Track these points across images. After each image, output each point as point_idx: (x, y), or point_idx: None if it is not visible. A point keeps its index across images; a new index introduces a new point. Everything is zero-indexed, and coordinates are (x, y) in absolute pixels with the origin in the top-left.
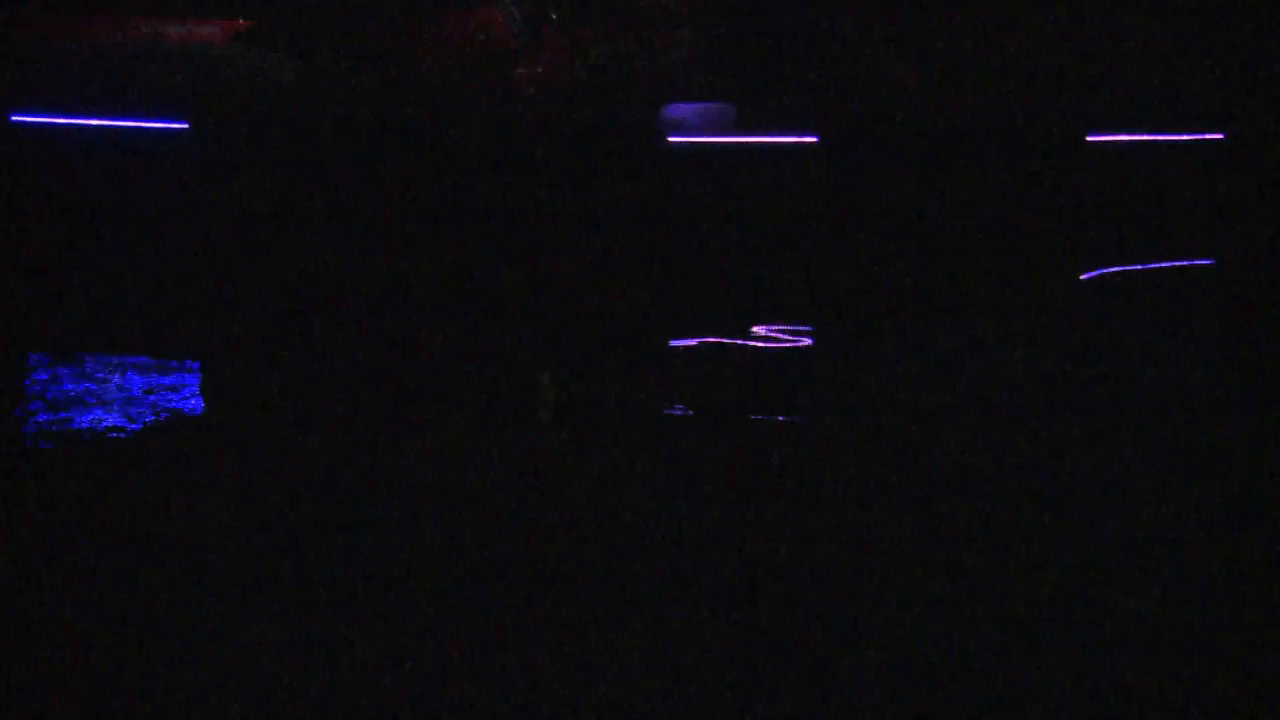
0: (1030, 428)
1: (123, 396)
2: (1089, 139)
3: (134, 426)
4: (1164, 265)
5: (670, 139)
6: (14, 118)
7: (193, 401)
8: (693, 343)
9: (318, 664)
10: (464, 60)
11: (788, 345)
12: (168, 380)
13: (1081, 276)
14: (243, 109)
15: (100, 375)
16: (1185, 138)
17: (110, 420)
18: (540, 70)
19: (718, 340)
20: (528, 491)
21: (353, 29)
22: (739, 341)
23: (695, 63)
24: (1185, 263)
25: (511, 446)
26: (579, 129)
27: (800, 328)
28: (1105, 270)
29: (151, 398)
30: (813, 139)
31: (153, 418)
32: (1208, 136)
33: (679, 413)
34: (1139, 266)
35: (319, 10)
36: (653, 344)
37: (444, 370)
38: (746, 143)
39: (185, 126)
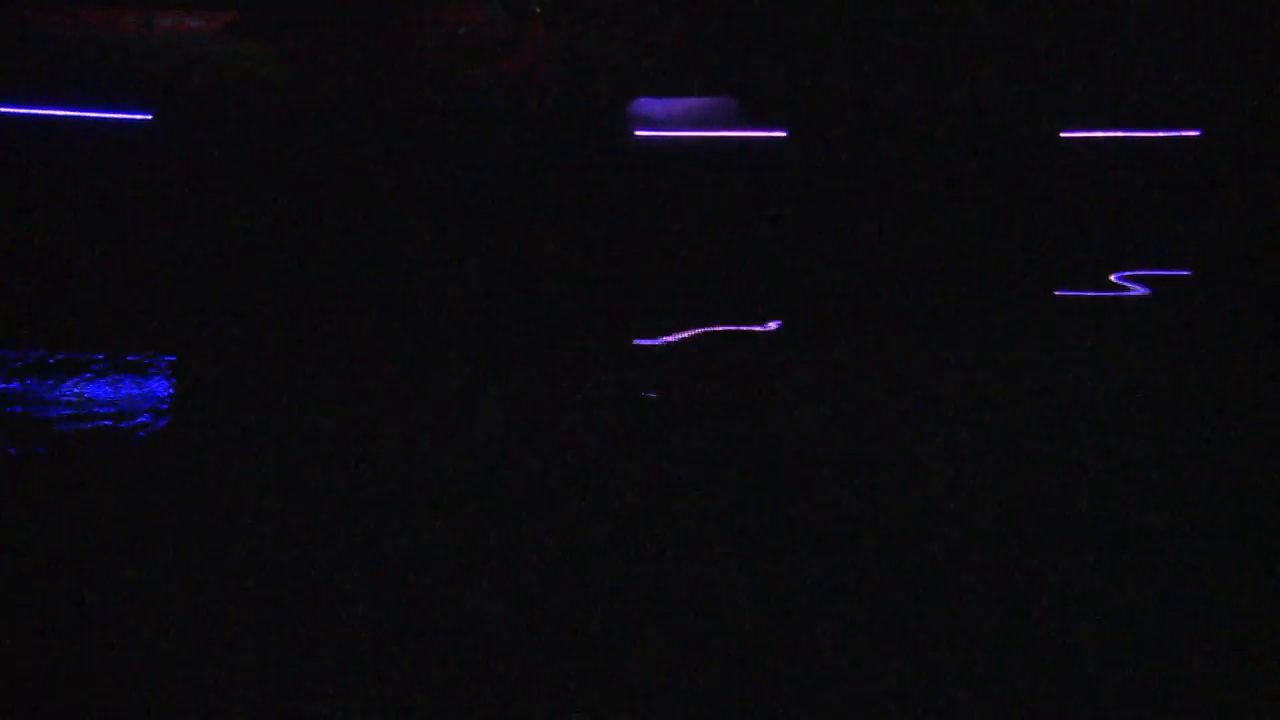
0: (990, 422)
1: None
2: (1063, 135)
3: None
4: (1140, 273)
5: (637, 133)
6: None
7: (158, 393)
8: (662, 338)
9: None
10: (445, 54)
11: (756, 334)
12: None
13: (1057, 292)
14: (208, 101)
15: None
16: (1162, 134)
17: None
18: (522, 64)
19: (688, 332)
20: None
21: (334, 22)
22: (706, 330)
23: (667, 56)
24: (1162, 272)
25: (481, 439)
26: (552, 122)
27: (769, 324)
28: (1077, 289)
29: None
30: (782, 133)
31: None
32: (1185, 134)
33: (649, 396)
34: (1114, 274)
35: (301, 3)
36: (622, 336)
37: (417, 362)
38: (716, 136)
39: (149, 118)
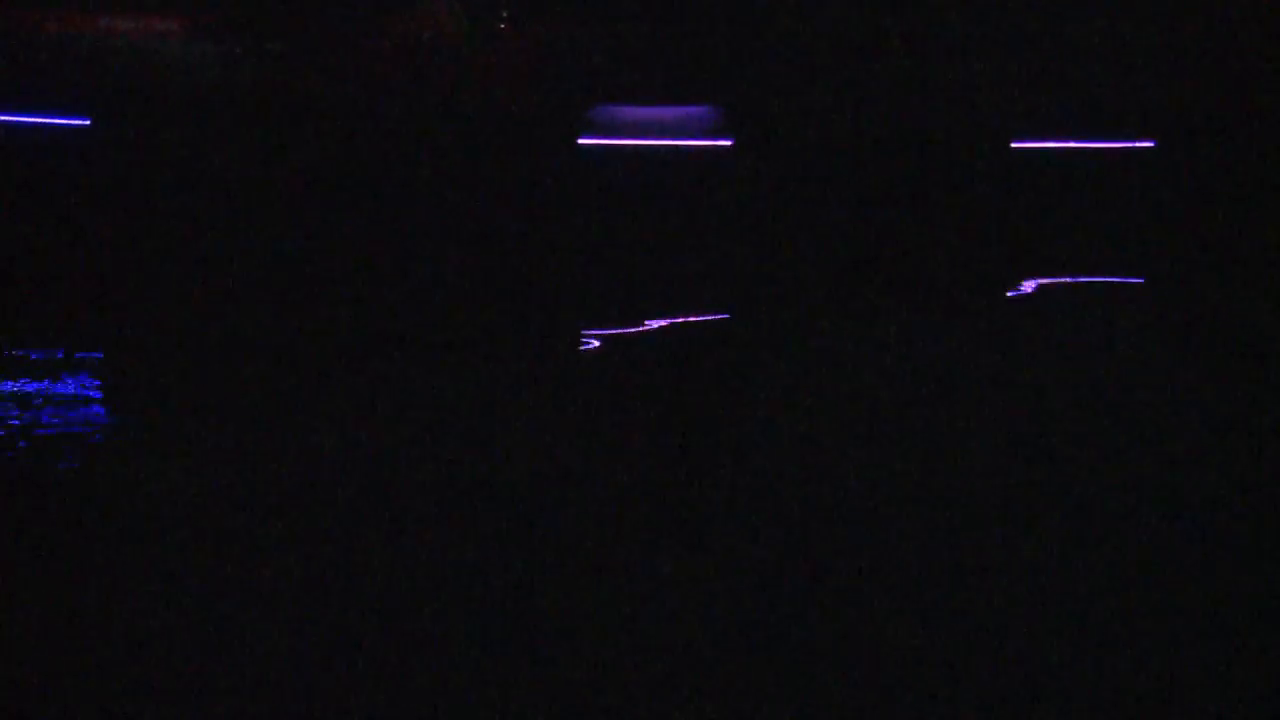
0: (925, 429)
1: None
2: (1013, 145)
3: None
4: (1094, 280)
5: (582, 140)
6: None
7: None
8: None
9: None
10: (409, 59)
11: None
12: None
13: (1008, 293)
14: (149, 105)
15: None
16: (1115, 145)
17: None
18: (486, 68)
19: (632, 329)
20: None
21: (294, 25)
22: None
23: (616, 67)
24: (1115, 279)
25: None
26: (512, 126)
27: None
28: (1029, 284)
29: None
30: (727, 142)
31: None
32: (1139, 144)
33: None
34: (1067, 279)
35: (264, 6)
36: (570, 332)
37: (357, 359)
38: (665, 145)
39: (87, 123)
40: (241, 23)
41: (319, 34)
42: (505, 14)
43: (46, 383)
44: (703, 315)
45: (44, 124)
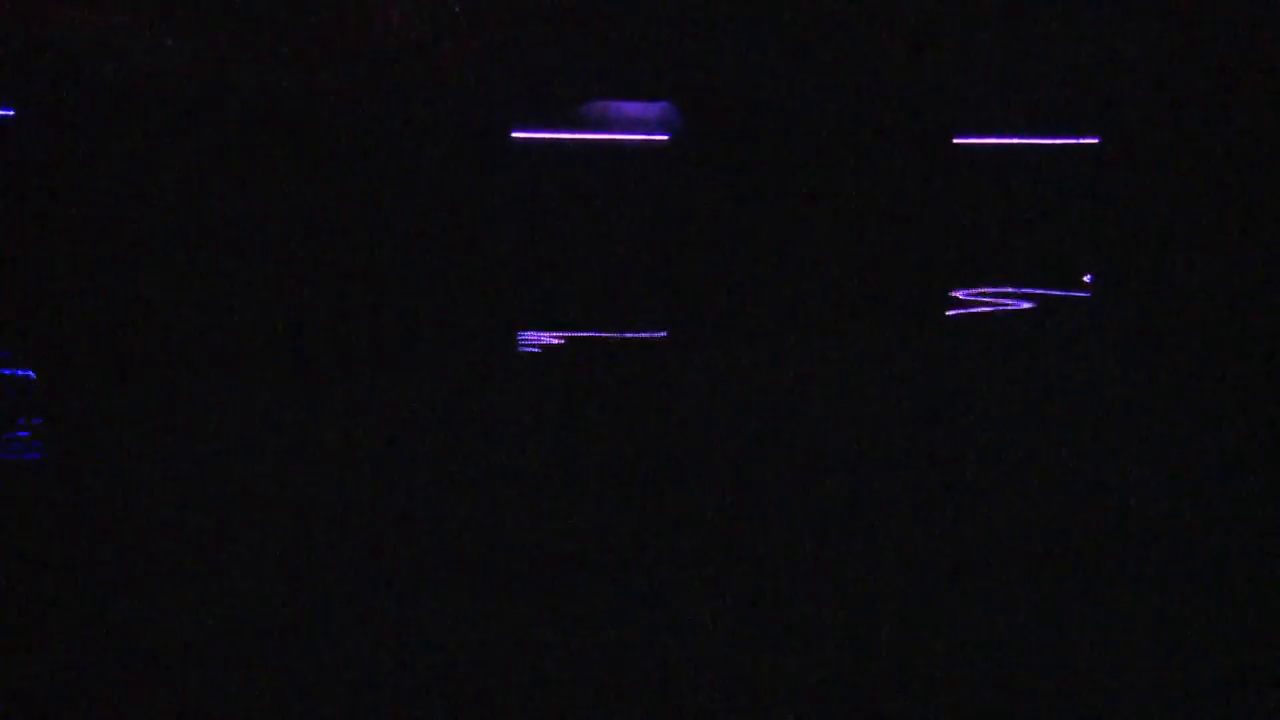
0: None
1: None
2: (956, 141)
3: None
4: (1039, 292)
5: (513, 135)
6: None
7: None
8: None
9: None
10: (362, 54)
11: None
12: None
13: (951, 291)
14: (75, 96)
15: None
16: (1059, 141)
17: None
18: (440, 64)
19: (569, 334)
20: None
21: (244, 18)
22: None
23: (547, 62)
24: (1061, 293)
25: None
26: (437, 126)
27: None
28: (972, 284)
29: None
30: (663, 138)
31: None
32: (1082, 141)
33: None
34: (1009, 289)
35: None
36: (502, 336)
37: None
38: (598, 140)
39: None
40: (176, 15)
41: (255, 25)
42: (457, 9)
43: None
44: (638, 318)
45: None
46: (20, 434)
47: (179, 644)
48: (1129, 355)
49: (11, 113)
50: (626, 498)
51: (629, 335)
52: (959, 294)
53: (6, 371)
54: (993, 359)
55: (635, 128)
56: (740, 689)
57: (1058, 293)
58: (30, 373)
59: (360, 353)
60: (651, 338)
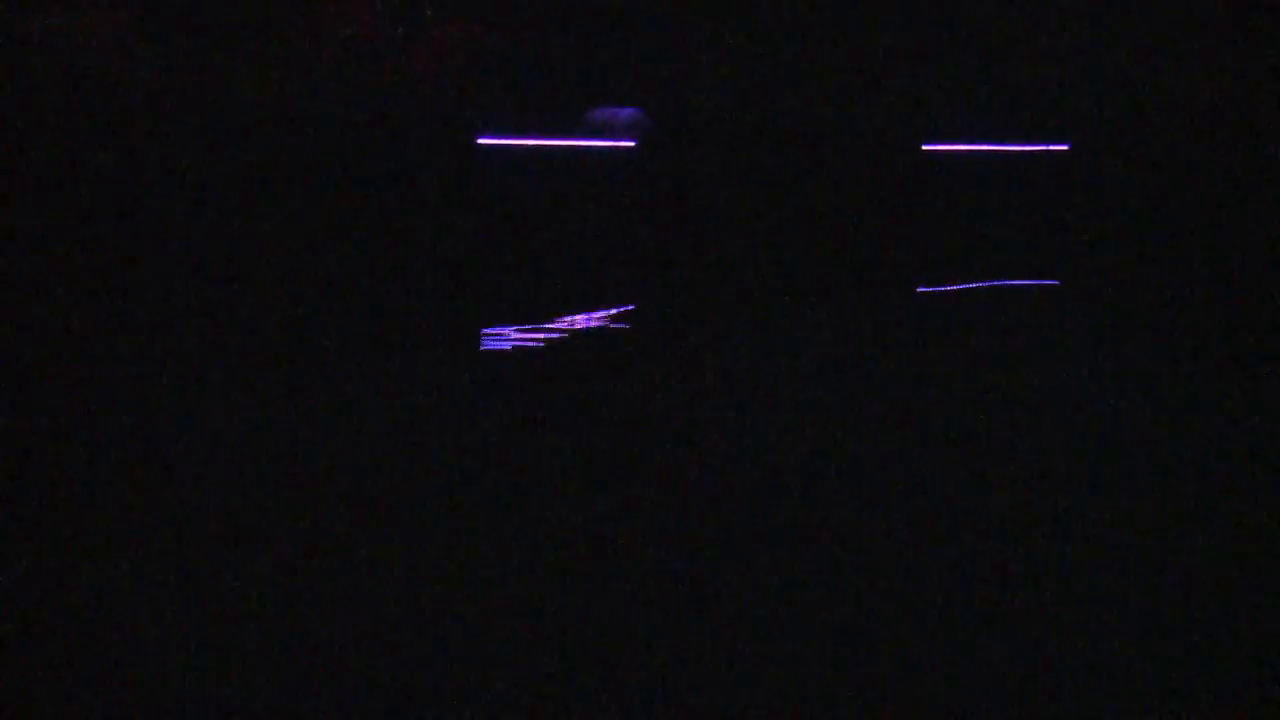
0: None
1: None
2: (925, 148)
3: None
4: (1010, 284)
5: (479, 140)
6: None
7: None
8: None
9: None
10: (332, 57)
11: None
12: None
13: (919, 289)
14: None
15: None
16: (1028, 148)
17: None
18: (411, 65)
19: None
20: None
21: (211, 21)
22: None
23: (516, 67)
24: (1031, 283)
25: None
26: (405, 127)
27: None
28: (941, 287)
29: None
30: (631, 143)
31: None
32: (1052, 147)
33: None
34: (980, 284)
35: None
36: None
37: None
38: (568, 145)
39: None
40: (141, 19)
41: (222, 26)
42: (429, 11)
43: None
44: (605, 314)
45: None
46: None
47: (161, 646)
48: (1097, 354)
49: None
50: (593, 498)
51: (594, 334)
52: (927, 290)
53: None
54: (963, 355)
55: (604, 133)
56: (731, 692)
57: (1024, 282)
58: None
59: (324, 355)
60: (618, 340)
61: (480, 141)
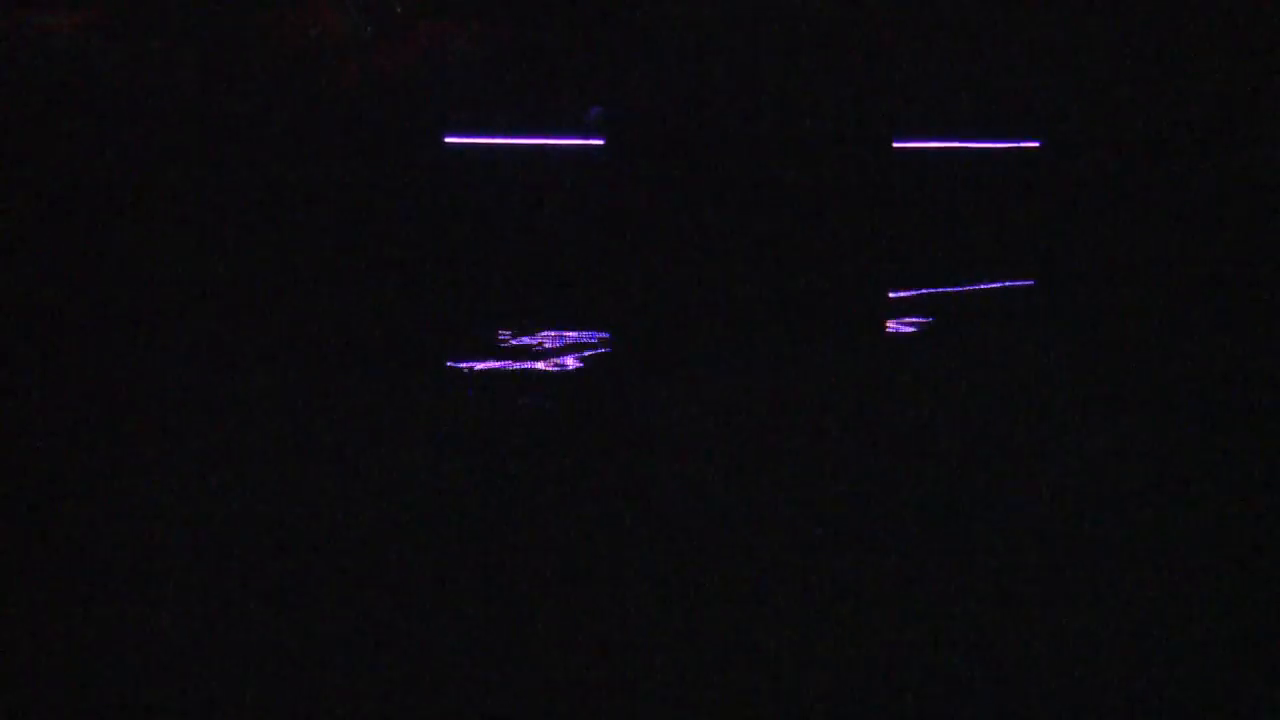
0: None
1: None
2: (896, 145)
3: None
4: (984, 286)
5: (447, 139)
6: None
7: None
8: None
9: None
10: (293, 55)
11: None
12: None
13: (891, 294)
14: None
15: None
16: (1000, 145)
17: None
18: (377, 66)
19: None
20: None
21: (176, 19)
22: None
23: (486, 65)
24: (1006, 284)
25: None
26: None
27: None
28: (910, 289)
29: None
30: (599, 142)
31: None
32: (1024, 144)
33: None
34: (957, 289)
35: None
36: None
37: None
38: (533, 145)
39: None
40: (109, 16)
41: (188, 22)
42: (399, 9)
43: None
44: (575, 327)
45: None
46: None
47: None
48: (1071, 356)
49: None
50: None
51: (563, 347)
52: (900, 295)
53: None
54: (939, 354)
55: (571, 132)
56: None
57: (1000, 284)
58: None
59: (291, 359)
60: (590, 346)
61: (449, 140)
